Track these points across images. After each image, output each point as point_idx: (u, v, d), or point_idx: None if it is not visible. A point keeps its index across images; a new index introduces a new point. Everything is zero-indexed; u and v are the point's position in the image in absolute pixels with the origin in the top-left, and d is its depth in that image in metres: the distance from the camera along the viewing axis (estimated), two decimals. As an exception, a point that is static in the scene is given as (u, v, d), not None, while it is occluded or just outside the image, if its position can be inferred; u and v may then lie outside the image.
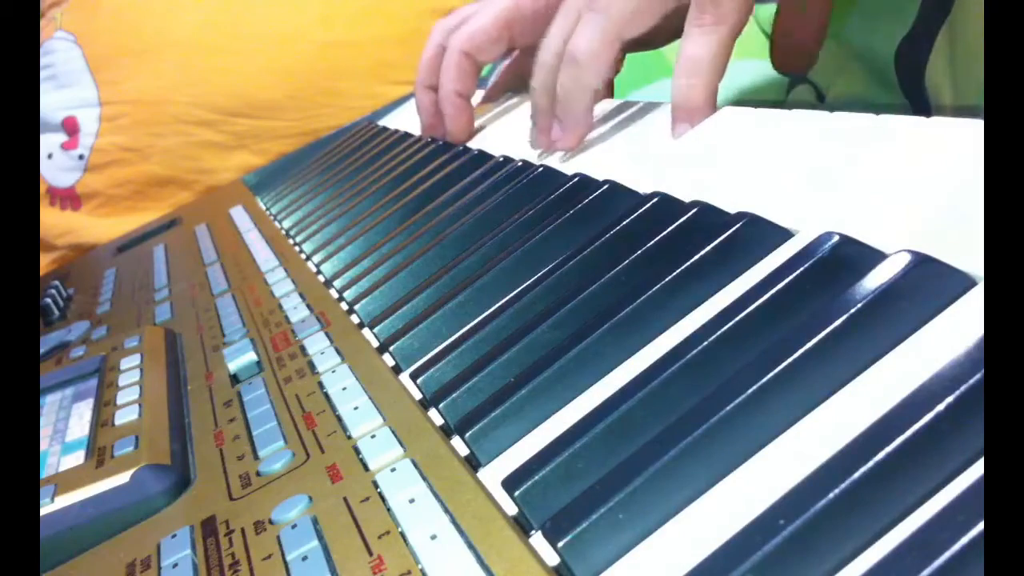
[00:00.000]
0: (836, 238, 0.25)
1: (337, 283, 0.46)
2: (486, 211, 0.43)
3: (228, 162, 0.99)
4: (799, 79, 0.56)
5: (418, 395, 0.32)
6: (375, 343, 0.37)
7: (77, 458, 0.36)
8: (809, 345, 0.22)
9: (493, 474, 0.25)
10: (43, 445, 0.39)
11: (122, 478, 0.33)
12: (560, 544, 0.21)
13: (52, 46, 1.02)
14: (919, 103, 0.47)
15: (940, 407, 0.18)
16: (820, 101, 0.55)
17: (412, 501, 0.25)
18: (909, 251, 0.23)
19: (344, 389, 0.34)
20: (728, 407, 0.22)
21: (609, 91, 0.51)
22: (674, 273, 0.28)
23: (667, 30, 0.43)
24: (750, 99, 0.58)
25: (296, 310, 0.45)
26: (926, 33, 0.44)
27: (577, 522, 0.21)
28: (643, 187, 0.36)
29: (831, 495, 0.18)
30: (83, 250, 1.00)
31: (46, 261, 1.03)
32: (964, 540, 0.16)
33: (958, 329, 0.21)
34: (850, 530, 0.18)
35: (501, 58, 0.61)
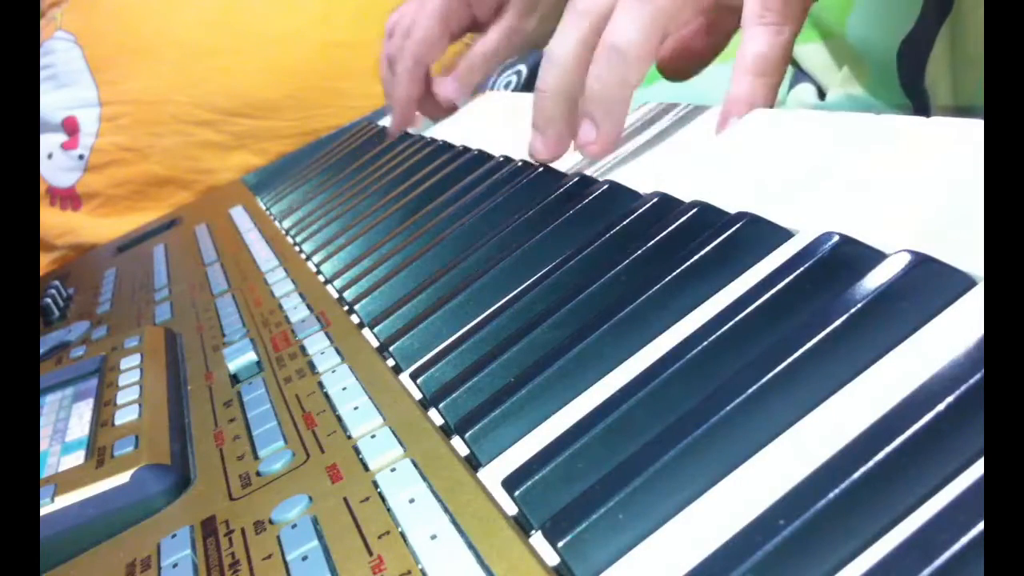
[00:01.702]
0: (836, 238, 0.25)
1: (337, 283, 0.46)
2: (486, 211, 0.43)
3: (228, 162, 0.99)
4: (801, 77, 0.56)
5: (418, 395, 0.32)
6: (375, 343, 0.37)
7: (77, 458, 0.36)
8: (809, 345, 0.22)
9: (493, 474, 0.25)
10: (43, 445, 0.39)
11: (122, 478, 0.33)
12: (560, 544, 0.21)
13: (52, 46, 1.02)
14: (920, 102, 0.47)
15: (940, 407, 0.18)
16: (820, 99, 0.55)
17: (412, 501, 0.25)
18: (909, 251, 0.23)
19: (344, 389, 0.34)
20: (728, 407, 0.22)
21: None
22: (674, 273, 0.28)
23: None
24: None
25: (296, 310, 0.45)
26: (927, 32, 0.44)
27: (577, 522, 0.21)
28: (643, 187, 0.36)
29: (831, 495, 0.18)
30: (83, 250, 1.00)
31: (46, 261, 1.03)
32: (964, 540, 0.16)
33: (958, 329, 0.21)
34: (850, 530, 0.18)
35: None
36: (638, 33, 0.38)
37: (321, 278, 0.49)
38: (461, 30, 0.65)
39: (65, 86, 1.01)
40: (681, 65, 0.45)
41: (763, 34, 0.37)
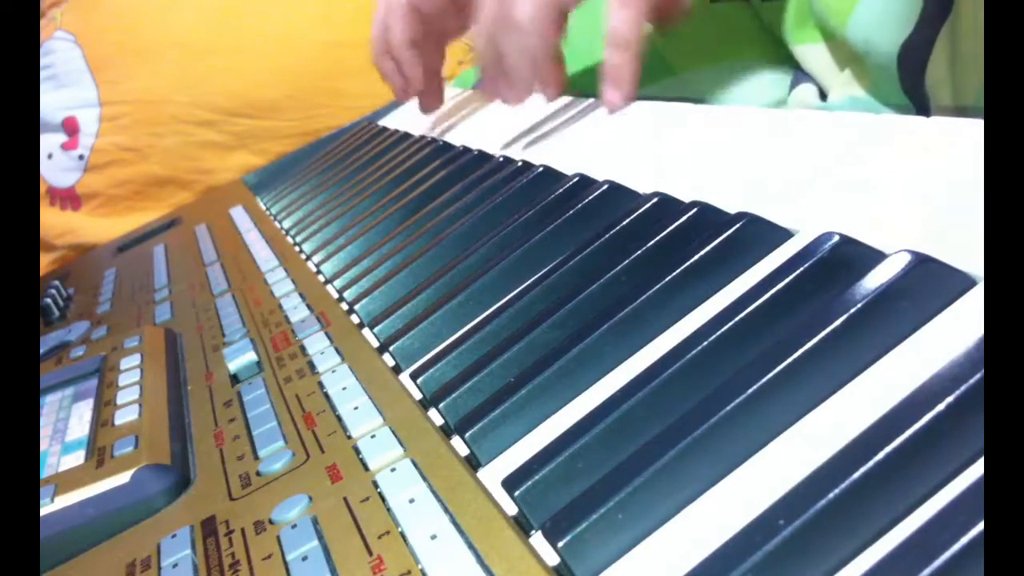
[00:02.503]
0: (836, 238, 0.25)
1: (337, 283, 0.46)
2: (486, 211, 0.43)
3: (228, 162, 0.99)
4: (803, 78, 0.56)
5: (418, 395, 0.32)
6: (375, 343, 0.37)
7: (77, 458, 0.36)
8: (809, 345, 0.22)
9: (493, 474, 0.26)
10: (43, 445, 0.39)
11: (122, 478, 0.33)
12: (560, 544, 0.21)
13: (52, 46, 1.02)
14: (921, 104, 0.46)
15: (940, 407, 0.18)
16: (822, 100, 0.55)
17: (412, 501, 0.25)
18: (909, 251, 0.23)
19: (344, 389, 0.34)
20: (728, 407, 0.22)
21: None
22: (674, 273, 0.28)
23: None
24: (750, 99, 0.58)
25: (296, 310, 0.45)
26: (927, 34, 0.44)
27: (577, 522, 0.21)
28: (643, 187, 0.36)
29: (831, 495, 0.18)
30: (83, 250, 1.00)
31: (46, 261, 1.03)
32: (964, 540, 0.16)
33: (958, 329, 0.21)
34: (850, 530, 0.18)
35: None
36: (531, 10, 0.45)
37: (321, 278, 0.49)
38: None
39: (65, 86, 1.01)
40: (660, 25, 0.51)
41: (615, 11, 0.44)
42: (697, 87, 0.57)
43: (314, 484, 0.29)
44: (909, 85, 0.47)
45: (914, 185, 0.26)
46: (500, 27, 0.47)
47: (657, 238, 0.31)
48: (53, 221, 1.02)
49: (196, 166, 0.99)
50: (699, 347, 0.25)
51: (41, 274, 0.97)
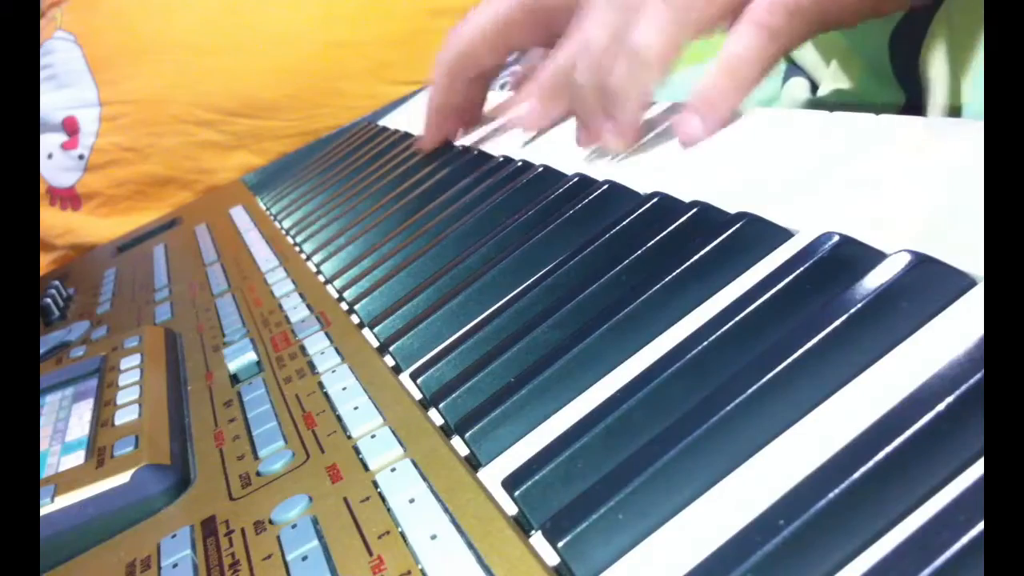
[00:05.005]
0: (836, 238, 0.25)
1: (337, 283, 0.46)
2: (486, 211, 0.43)
3: (228, 162, 0.99)
4: (794, 71, 0.56)
5: (418, 395, 0.32)
6: (375, 343, 0.37)
7: (77, 458, 0.36)
8: (809, 345, 0.22)
9: (493, 474, 0.26)
10: (43, 445, 0.39)
11: (122, 478, 0.33)
12: (560, 544, 0.21)
13: (52, 46, 1.02)
14: (914, 91, 0.46)
15: (940, 407, 0.18)
16: (813, 93, 0.55)
17: (412, 501, 0.25)
18: (909, 251, 0.23)
19: (344, 389, 0.34)
20: (728, 407, 0.22)
21: None
22: (674, 273, 0.28)
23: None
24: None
25: (296, 310, 0.45)
26: (921, 18, 0.44)
27: (577, 522, 0.21)
28: (643, 187, 0.36)
29: (831, 495, 0.18)
30: (83, 250, 1.00)
31: (46, 261, 1.03)
32: (964, 540, 0.16)
33: (958, 329, 0.21)
34: (850, 530, 0.18)
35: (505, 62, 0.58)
36: (658, 38, 0.38)
37: (321, 278, 0.49)
38: (523, 47, 0.58)
39: (65, 86, 1.01)
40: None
41: (749, 34, 0.36)
42: (691, 84, 0.57)
43: (314, 484, 0.29)
44: (902, 73, 0.46)
45: (914, 185, 0.26)
46: (607, 59, 0.40)
47: (657, 238, 0.31)
48: (53, 221, 1.02)
49: (196, 166, 0.99)
50: (699, 347, 0.25)
51: (41, 274, 0.96)
